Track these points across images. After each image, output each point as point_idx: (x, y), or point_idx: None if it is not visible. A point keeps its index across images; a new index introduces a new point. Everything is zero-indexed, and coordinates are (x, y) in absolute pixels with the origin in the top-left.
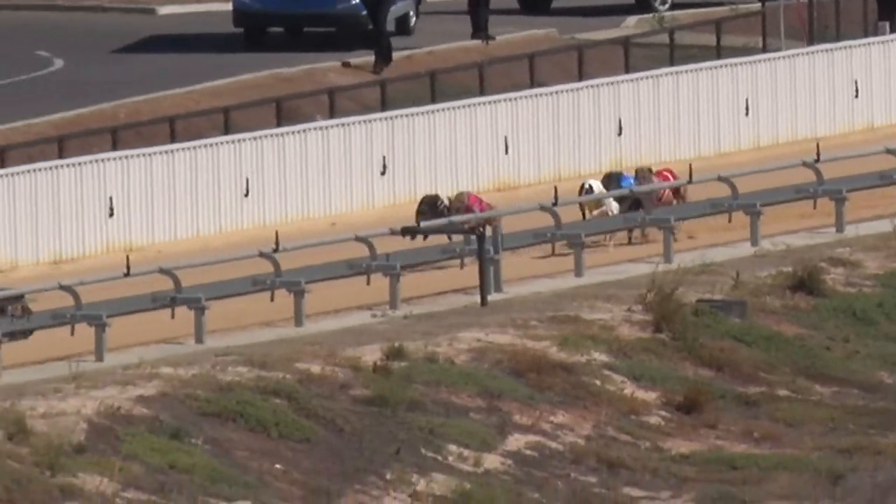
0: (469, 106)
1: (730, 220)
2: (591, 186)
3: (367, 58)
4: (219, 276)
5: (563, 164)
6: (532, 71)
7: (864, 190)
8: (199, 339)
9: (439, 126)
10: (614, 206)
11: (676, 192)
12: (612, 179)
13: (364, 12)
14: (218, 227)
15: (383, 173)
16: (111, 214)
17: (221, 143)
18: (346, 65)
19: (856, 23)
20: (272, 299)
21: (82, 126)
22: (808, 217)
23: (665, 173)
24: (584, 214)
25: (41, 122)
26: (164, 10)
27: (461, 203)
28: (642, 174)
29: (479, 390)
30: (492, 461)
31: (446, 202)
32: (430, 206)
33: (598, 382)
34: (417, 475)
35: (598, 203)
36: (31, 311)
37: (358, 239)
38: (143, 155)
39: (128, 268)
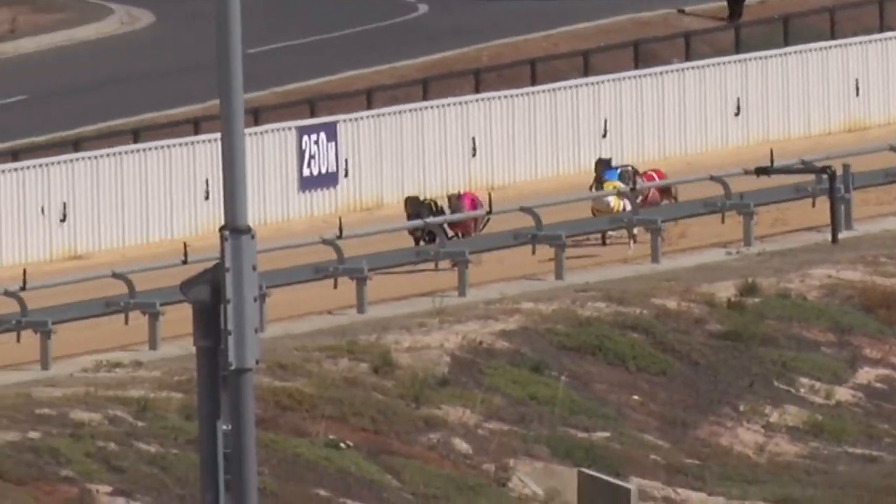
0: (821, 49)
1: None
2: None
3: (708, 5)
4: (576, 215)
5: None
6: (882, 15)
7: None
8: (558, 276)
9: (792, 69)
10: (626, 202)
11: (668, 191)
12: (602, 165)
13: None
14: (577, 167)
15: (737, 114)
16: (473, 154)
17: (580, 85)
18: (681, 11)
19: None
20: (632, 240)
21: (446, 69)
22: None
23: (650, 173)
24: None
25: (406, 65)
26: None
27: (455, 204)
28: (626, 172)
29: (829, 325)
30: (842, 394)
31: (434, 202)
32: (414, 207)
33: None
34: (770, 407)
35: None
36: None
37: (713, 178)
38: (505, 97)
39: (490, 206)
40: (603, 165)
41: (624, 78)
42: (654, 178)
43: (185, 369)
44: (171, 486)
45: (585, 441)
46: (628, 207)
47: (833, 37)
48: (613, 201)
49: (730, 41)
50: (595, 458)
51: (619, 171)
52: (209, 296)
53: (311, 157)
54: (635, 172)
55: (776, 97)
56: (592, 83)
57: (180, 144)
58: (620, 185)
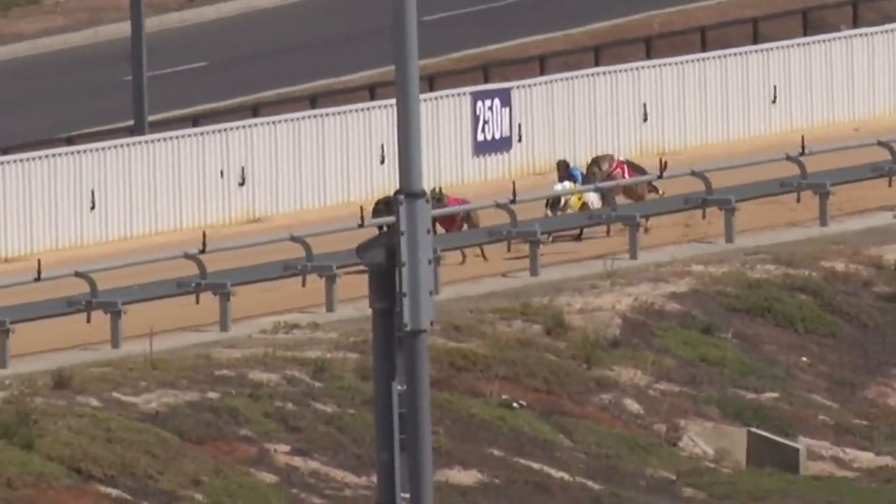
0: None
1: None
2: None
3: None
4: (746, 179)
5: None
6: None
7: None
8: (728, 239)
9: None
10: (594, 199)
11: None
12: (563, 166)
13: None
14: (746, 132)
15: None
16: (645, 119)
17: (750, 52)
18: None
19: None
20: (798, 200)
21: (618, 36)
22: None
23: (623, 165)
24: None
25: (578, 32)
26: None
27: (441, 204)
28: (599, 163)
29: None
30: None
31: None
32: (386, 205)
33: None
34: None
35: (580, 197)
36: None
37: (880, 144)
38: (676, 63)
39: (661, 171)
40: (564, 167)
41: (793, 45)
42: (627, 170)
43: (360, 330)
44: (347, 445)
45: (754, 402)
46: (596, 204)
47: None
48: (573, 200)
49: None
50: (764, 418)
51: (611, 161)
52: (385, 259)
53: (485, 122)
54: (609, 164)
55: None
56: (761, 50)
57: (357, 110)
58: (578, 185)
